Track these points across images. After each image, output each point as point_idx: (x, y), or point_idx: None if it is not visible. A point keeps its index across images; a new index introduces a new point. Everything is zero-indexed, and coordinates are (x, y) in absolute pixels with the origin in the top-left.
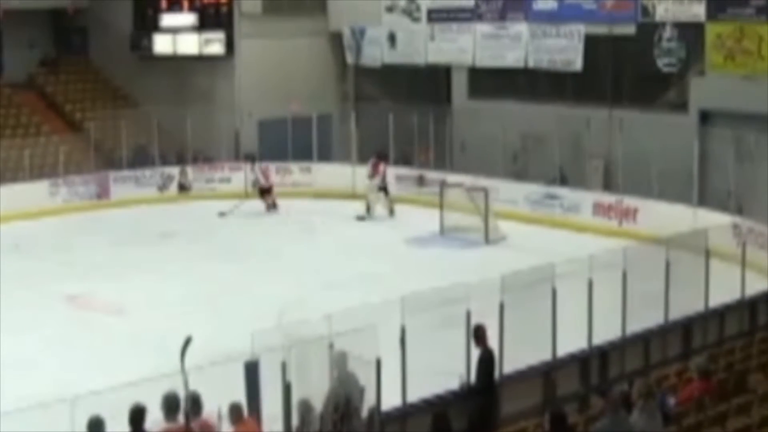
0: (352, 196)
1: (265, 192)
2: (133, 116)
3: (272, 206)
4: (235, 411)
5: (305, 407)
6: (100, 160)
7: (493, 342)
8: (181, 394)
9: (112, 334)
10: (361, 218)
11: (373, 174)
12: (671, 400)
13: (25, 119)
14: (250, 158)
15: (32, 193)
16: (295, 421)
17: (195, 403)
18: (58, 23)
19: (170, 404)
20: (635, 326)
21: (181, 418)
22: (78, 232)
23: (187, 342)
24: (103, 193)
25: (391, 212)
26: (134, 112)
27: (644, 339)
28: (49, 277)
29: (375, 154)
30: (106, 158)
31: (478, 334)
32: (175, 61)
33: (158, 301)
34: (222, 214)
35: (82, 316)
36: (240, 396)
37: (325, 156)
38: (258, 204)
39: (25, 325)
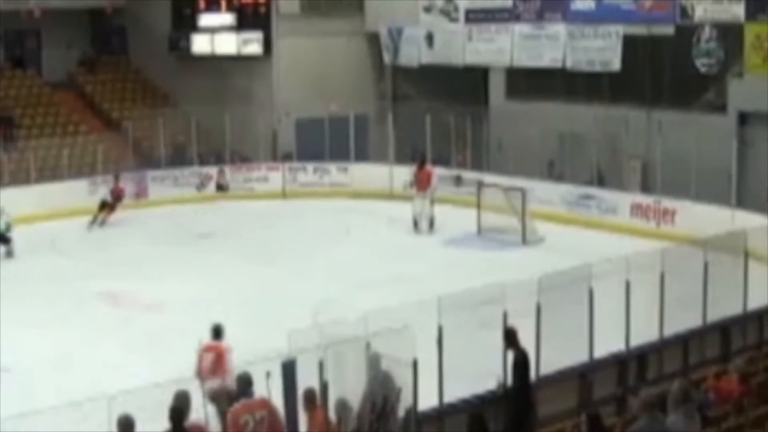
0: (389, 196)
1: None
2: (172, 115)
3: (101, 222)
4: (309, 397)
5: (342, 407)
6: (139, 159)
7: (529, 343)
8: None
9: (149, 332)
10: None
11: (425, 184)
12: (710, 397)
13: (64, 118)
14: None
15: (71, 191)
16: (333, 419)
17: (247, 383)
18: (97, 23)
19: (180, 401)
20: (673, 328)
21: (193, 416)
22: (116, 230)
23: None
24: (141, 192)
25: (431, 225)
26: (172, 111)
27: (682, 341)
28: (88, 275)
29: (418, 159)
30: (144, 157)
31: (509, 337)
32: (214, 60)
33: (195, 300)
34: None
35: (119, 314)
36: (277, 395)
37: (362, 156)
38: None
39: (65, 322)
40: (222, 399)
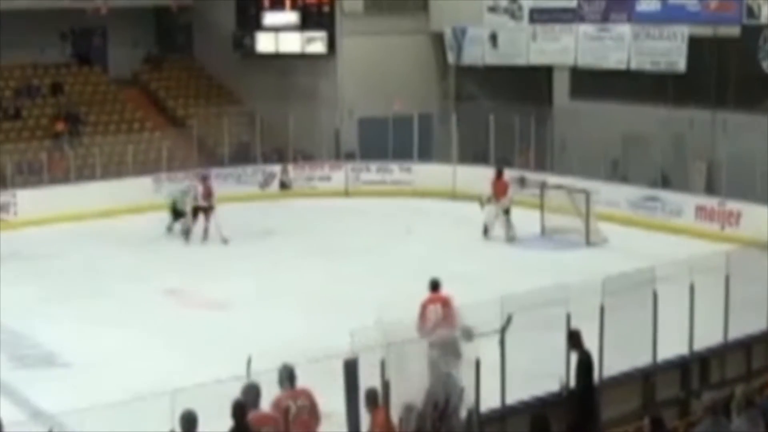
0: (452, 195)
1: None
2: (236, 113)
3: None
4: (371, 397)
5: (407, 409)
6: (203, 157)
7: (592, 345)
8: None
9: (212, 329)
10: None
11: (502, 194)
12: None
13: (129, 115)
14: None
15: (136, 188)
16: (394, 419)
17: (291, 375)
18: (162, 21)
19: (250, 393)
20: (737, 332)
21: (263, 405)
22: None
23: (249, 363)
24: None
25: (513, 238)
26: (237, 109)
27: (746, 345)
28: (152, 272)
29: (496, 168)
30: (208, 155)
31: (574, 339)
32: (278, 59)
33: (258, 298)
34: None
35: (183, 310)
36: (339, 393)
37: (426, 155)
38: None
39: (128, 318)
40: (450, 349)
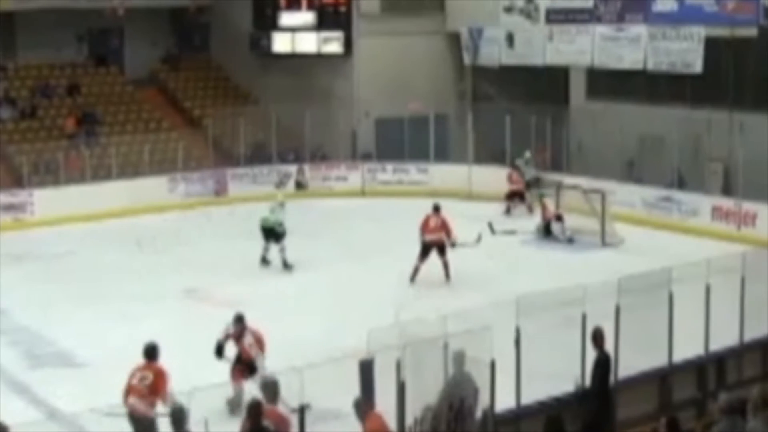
0: (469, 196)
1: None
2: (252, 113)
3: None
4: (360, 406)
5: (424, 410)
6: (219, 157)
7: (608, 345)
8: None
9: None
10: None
11: None
12: None
13: (146, 115)
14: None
15: (152, 188)
16: (409, 420)
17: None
18: (180, 21)
19: (268, 389)
20: (753, 333)
21: (281, 405)
22: (196, 227)
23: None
24: (220, 190)
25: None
26: (253, 109)
27: (762, 345)
28: (168, 271)
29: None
30: (224, 155)
31: (597, 337)
32: (294, 59)
33: (275, 298)
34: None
35: (200, 310)
36: (354, 394)
37: (442, 156)
38: None
39: (145, 318)
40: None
